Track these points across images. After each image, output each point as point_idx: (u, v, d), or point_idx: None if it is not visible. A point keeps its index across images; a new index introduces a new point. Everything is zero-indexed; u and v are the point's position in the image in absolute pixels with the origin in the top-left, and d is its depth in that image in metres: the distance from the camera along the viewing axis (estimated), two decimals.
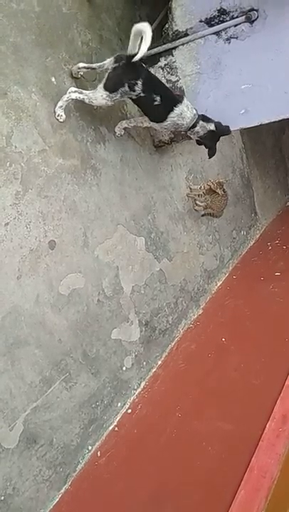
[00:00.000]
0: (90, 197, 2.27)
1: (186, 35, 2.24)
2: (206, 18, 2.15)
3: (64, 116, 2.05)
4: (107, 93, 2.01)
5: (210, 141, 2.42)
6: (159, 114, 2.23)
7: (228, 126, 2.40)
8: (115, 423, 2.38)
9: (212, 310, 3.24)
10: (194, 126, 2.29)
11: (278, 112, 2.22)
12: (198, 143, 2.48)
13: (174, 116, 2.21)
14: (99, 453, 2.23)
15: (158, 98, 2.11)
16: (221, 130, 2.37)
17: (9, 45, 1.84)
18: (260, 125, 2.32)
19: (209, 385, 2.46)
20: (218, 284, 3.54)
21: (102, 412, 2.33)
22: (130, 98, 2.13)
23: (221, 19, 2.12)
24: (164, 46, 2.32)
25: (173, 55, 2.34)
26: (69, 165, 2.13)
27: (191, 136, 2.39)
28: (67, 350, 2.13)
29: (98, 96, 2.04)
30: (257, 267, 3.70)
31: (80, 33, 2.20)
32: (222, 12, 2.10)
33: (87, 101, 2.06)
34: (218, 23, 2.13)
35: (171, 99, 2.20)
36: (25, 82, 1.91)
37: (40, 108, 1.98)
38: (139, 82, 2.01)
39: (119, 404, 2.44)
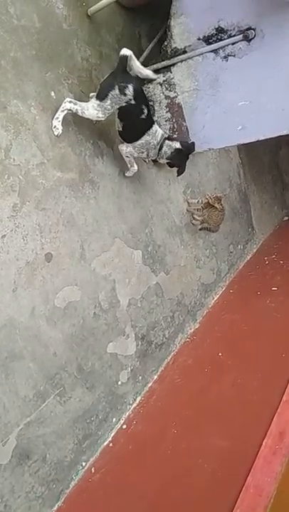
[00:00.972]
0: (88, 210, 2.27)
1: (185, 52, 2.28)
2: (204, 36, 2.19)
3: (60, 129, 2.05)
4: (98, 102, 2.02)
5: (178, 160, 2.44)
6: (137, 131, 2.24)
7: (193, 143, 2.45)
8: (110, 439, 2.35)
9: (209, 324, 3.22)
10: (161, 147, 2.33)
11: (275, 129, 2.24)
12: (170, 165, 2.49)
13: (149, 134, 2.24)
14: (93, 469, 2.19)
15: (145, 111, 2.13)
16: (187, 148, 2.42)
17: (9, 60, 1.87)
18: (257, 141, 2.34)
19: (205, 400, 2.44)
20: (215, 298, 3.53)
21: (97, 428, 2.29)
22: (119, 109, 2.10)
23: (219, 37, 2.15)
24: (162, 63, 2.36)
25: (171, 72, 2.37)
26: (67, 178, 2.14)
27: (161, 160, 2.44)
28: (62, 364, 2.11)
29: (90, 106, 2.05)
30: (254, 282, 3.70)
31: (80, 49, 2.23)
32: (220, 30, 2.14)
33: (79, 112, 2.06)
34: (216, 41, 2.17)
35: (151, 117, 2.24)
36: (25, 96, 1.93)
37: (39, 122, 1.99)
38: (130, 86, 2.01)
39: (114, 419, 2.41)
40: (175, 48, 2.30)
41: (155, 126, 2.26)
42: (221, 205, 3.04)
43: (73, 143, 2.18)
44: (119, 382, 2.46)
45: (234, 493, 1.80)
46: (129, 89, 2.01)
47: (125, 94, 2.02)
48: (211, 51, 2.20)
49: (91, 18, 2.28)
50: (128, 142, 2.30)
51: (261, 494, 1.77)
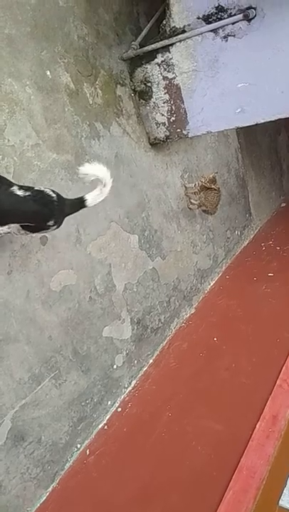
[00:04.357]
0: (84, 193, 2.24)
1: (184, 31, 2.23)
2: (204, 15, 2.14)
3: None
4: None
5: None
6: None
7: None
8: (105, 421, 2.37)
9: (204, 309, 3.23)
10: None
11: (274, 112, 2.21)
12: None
13: None
14: (88, 451, 2.21)
15: None
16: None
17: (4, 37, 1.82)
18: (256, 124, 2.31)
19: (200, 384, 2.45)
20: (211, 284, 3.53)
21: (92, 410, 2.31)
22: None
23: (219, 16, 2.10)
24: (161, 43, 2.30)
25: (170, 52, 2.32)
26: (63, 160, 2.11)
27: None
28: (58, 347, 2.11)
29: None
30: (250, 268, 3.70)
31: (77, 27, 2.17)
32: (220, 9, 2.09)
33: None
34: (215, 21, 2.11)
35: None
36: (20, 75, 1.89)
37: (35, 102, 1.95)
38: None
39: (109, 402, 2.43)
40: (174, 27, 2.25)
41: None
42: (216, 185, 3.01)
43: (69, 124, 2.14)
44: (115, 366, 2.47)
45: (227, 475, 1.83)
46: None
47: None
48: (211, 31, 2.15)
49: None
50: None
51: (254, 476, 1.80)
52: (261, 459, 1.86)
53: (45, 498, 2.02)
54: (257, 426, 2.02)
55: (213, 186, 2.96)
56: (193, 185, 3.09)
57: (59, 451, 2.12)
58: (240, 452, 1.91)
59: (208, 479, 1.87)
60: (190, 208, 3.17)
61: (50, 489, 2.05)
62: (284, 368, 2.33)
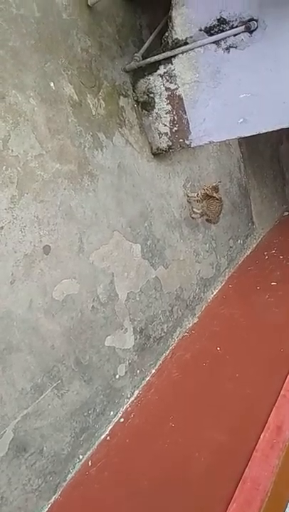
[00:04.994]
0: (87, 202, 2.26)
1: (186, 43, 2.25)
2: (206, 27, 2.16)
3: None
4: None
5: None
6: None
7: None
8: (107, 432, 2.35)
9: (207, 319, 3.22)
10: None
11: (276, 122, 2.22)
12: None
13: None
14: (90, 462, 2.19)
15: None
16: None
17: (8, 50, 1.84)
18: (258, 134, 2.33)
19: (203, 394, 2.44)
20: (214, 293, 3.53)
21: (94, 421, 2.29)
22: None
23: (221, 28, 2.13)
24: (163, 54, 2.33)
25: (172, 63, 2.34)
26: (66, 170, 2.12)
27: None
28: (60, 357, 2.10)
29: None
30: (253, 277, 3.69)
31: (80, 40, 2.20)
32: (222, 21, 2.11)
33: None
34: (217, 32, 2.14)
35: None
36: (24, 87, 1.91)
37: (38, 113, 1.97)
38: None
39: (111, 412, 2.41)
40: (176, 39, 2.27)
41: None
42: (219, 193, 3.02)
43: (72, 134, 2.16)
44: (117, 376, 2.46)
45: (231, 486, 1.81)
46: None
47: None
48: (213, 42, 2.17)
49: (91, 8, 2.25)
50: None
51: (258, 488, 1.77)
52: (266, 470, 1.84)
53: (46, 509, 2.00)
54: (261, 436, 2.00)
55: (215, 195, 2.97)
56: (196, 194, 3.10)
57: (61, 462, 2.10)
58: (244, 463, 1.89)
59: (212, 490, 1.85)
60: (193, 217, 3.18)
61: (52, 501, 2.03)
62: (288, 377, 2.31)
